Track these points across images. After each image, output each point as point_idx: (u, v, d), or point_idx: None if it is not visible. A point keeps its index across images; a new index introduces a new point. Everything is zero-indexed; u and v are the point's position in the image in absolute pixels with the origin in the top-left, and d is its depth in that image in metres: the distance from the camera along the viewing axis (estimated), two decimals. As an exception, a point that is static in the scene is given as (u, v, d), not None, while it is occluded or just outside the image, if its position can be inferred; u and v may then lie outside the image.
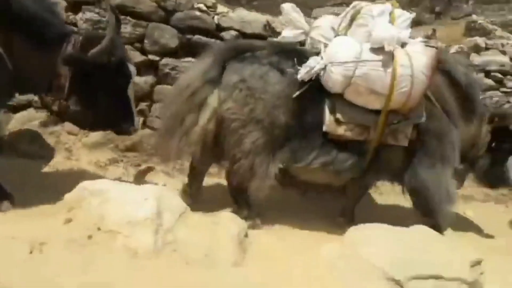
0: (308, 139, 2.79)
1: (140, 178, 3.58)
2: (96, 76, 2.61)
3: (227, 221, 2.44)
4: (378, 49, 2.67)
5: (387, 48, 2.63)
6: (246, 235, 2.45)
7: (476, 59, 4.58)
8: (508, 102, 4.62)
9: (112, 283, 1.71)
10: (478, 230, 3.75)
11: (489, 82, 4.62)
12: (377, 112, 2.78)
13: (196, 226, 2.22)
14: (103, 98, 2.69)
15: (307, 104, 2.76)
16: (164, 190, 2.43)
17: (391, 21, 2.78)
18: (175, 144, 2.75)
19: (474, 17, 21.08)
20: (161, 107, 3.30)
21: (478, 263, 2.22)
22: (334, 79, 2.68)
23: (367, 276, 2.07)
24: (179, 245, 2.07)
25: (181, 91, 2.79)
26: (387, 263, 2.10)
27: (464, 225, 3.81)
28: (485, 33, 16.52)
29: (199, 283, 1.86)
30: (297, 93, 2.71)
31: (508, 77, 4.59)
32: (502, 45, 4.75)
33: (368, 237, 2.36)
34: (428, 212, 3.00)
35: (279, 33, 3.53)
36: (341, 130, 2.76)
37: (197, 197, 3.04)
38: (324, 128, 2.77)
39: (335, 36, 2.89)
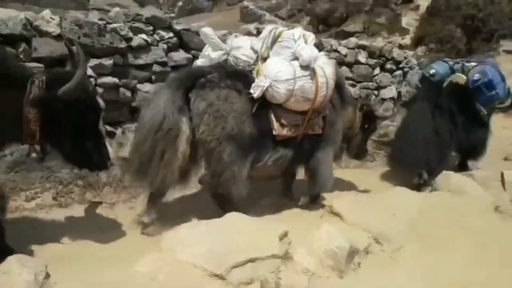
0: (264, 143, 3.43)
1: (90, 212, 3.59)
2: (67, 115, 2.53)
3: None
4: (304, 66, 3.39)
5: (312, 65, 3.40)
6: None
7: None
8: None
9: None
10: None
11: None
12: (303, 112, 3.51)
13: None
14: (78, 137, 2.66)
15: (260, 115, 3.35)
16: None
17: (305, 41, 3.48)
18: (158, 174, 3.06)
19: (245, 3, 23.23)
20: (132, 142, 3.30)
21: (285, 234, 2.43)
22: (280, 93, 3.32)
23: (189, 279, 2.03)
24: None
25: (154, 126, 3.00)
26: (206, 260, 2.11)
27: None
28: (256, 17, 18.37)
29: None
30: (255, 108, 3.30)
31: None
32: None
33: (184, 238, 2.31)
34: (318, 186, 3.92)
35: (44, 32, 3.54)
36: (285, 132, 3.48)
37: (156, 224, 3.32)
38: (274, 132, 3.44)
39: (256, 56, 3.51)
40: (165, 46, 4.21)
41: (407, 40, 13.18)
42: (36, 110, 2.44)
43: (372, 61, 5.95)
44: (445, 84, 5.06)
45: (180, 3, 27.53)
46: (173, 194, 3.80)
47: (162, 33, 4.17)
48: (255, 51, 3.52)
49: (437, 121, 4.74)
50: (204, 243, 2.24)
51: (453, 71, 5.17)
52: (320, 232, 2.68)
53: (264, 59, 3.43)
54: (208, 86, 3.19)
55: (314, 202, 3.99)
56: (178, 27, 4.29)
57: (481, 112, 5.01)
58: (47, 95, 2.43)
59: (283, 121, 3.45)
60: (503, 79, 5.04)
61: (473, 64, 5.07)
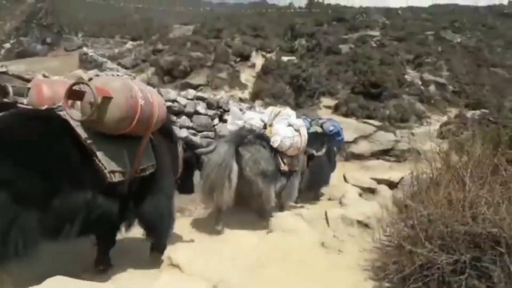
0: (277, 175, 5.13)
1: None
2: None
3: None
4: (296, 129, 5.29)
5: (298, 128, 5.34)
6: None
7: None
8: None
9: None
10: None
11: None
12: (293, 156, 5.40)
13: None
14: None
15: (275, 159, 5.07)
16: None
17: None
18: (225, 196, 4.50)
19: (85, 49, 22.25)
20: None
21: None
22: (286, 145, 5.13)
23: None
24: None
25: (218, 164, 4.46)
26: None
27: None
28: (97, 64, 17.65)
29: None
30: (273, 154, 5.04)
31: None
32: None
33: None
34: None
35: None
36: (286, 168, 5.23)
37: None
38: (281, 168, 5.17)
39: (264, 124, 5.36)
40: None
41: (246, 94, 14.32)
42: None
43: (211, 112, 6.24)
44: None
45: (7, 45, 24.75)
46: None
47: (-26, 75, 3.63)
48: (262, 121, 5.38)
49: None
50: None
51: (310, 124, 6.73)
52: (158, 286, 2.56)
53: (270, 126, 5.30)
54: (248, 143, 4.85)
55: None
56: (-3, 70, 3.79)
57: (333, 151, 7.24)
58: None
59: (285, 161, 5.21)
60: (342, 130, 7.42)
61: (322, 120, 7.27)
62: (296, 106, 12.31)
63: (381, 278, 3.22)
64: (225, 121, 6.55)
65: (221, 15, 29.71)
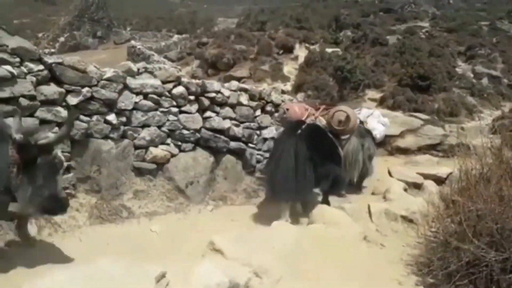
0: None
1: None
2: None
3: None
4: (383, 124, 6.87)
5: (384, 124, 6.96)
6: None
7: (132, 82, 4.84)
8: (168, 120, 5.21)
9: None
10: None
11: (149, 103, 5.01)
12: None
13: None
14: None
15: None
16: None
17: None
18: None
19: (133, 42, 22.98)
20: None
21: (162, 276, 2.33)
22: (380, 137, 6.89)
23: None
24: None
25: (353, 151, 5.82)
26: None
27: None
28: (144, 57, 18.20)
29: None
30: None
31: (163, 98, 5.14)
32: (155, 68, 5.26)
33: (50, 286, 2.07)
34: None
35: None
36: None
37: None
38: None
39: (360, 121, 6.36)
40: (34, 79, 3.89)
41: (288, 86, 14.23)
42: None
43: (253, 103, 6.26)
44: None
45: (61, 39, 26.04)
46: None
47: (31, 65, 3.87)
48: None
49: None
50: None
51: None
52: (200, 269, 2.65)
53: (365, 122, 6.40)
54: (365, 136, 6.03)
55: None
56: (49, 60, 4.02)
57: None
58: None
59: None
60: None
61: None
62: (340, 99, 12.10)
63: (424, 274, 3.14)
64: (267, 112, 6.58)
65: (266, 8, 29.66)
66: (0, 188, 2.77)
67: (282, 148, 4.94)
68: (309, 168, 4.85)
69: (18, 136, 2.85)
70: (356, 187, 6.41)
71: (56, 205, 3.17)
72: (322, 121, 5.64)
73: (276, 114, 6.62)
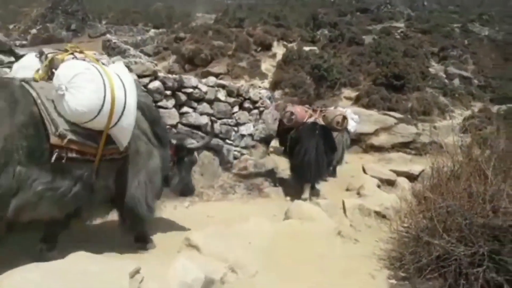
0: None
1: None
2: None
3: None
4: (354, 120, 8.37)
5: (356, 120, 8.45)
6: None
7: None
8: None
9: None
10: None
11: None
12: None
13: None
14: None
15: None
16: None
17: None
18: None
19: (108, 36, 22.47)
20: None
21: (136, 271, 2.29)
22: (354, 130, 8.46)
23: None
24: None
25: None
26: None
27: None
28: (120, 51, 17.78)
29: None
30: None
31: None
32: (131, 63, 5.19)
33: (17, 285, 2.01)
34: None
35: None
36: None
37: None
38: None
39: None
40: (6, 70, 3.77)
41: (266, 84, 14.28)
42: None
43: (231, 100, 6.26)
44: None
45: (34, 31, 25.22)
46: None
47: (1, 56, 3.75)
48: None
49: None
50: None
51: None
52: (175, 265, 2.62)
53: None
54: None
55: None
56: (20, 52, 3.91)
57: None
58: None
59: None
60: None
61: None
62: (316, 97, 12.23)
63: (396, 268, 3.21)
64: (245, 109, 6.58)
65: (244, 4, 29.58)
66: (163, 176, 3.68)
67: (307, 143, 6.26)
68: (324, 158, 6.32)
69: (174, 141, 3.95)
70: (333, 172, 7.90)
71: (189, 191, 4.28)
72: (321, 122, 6.62)
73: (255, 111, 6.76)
